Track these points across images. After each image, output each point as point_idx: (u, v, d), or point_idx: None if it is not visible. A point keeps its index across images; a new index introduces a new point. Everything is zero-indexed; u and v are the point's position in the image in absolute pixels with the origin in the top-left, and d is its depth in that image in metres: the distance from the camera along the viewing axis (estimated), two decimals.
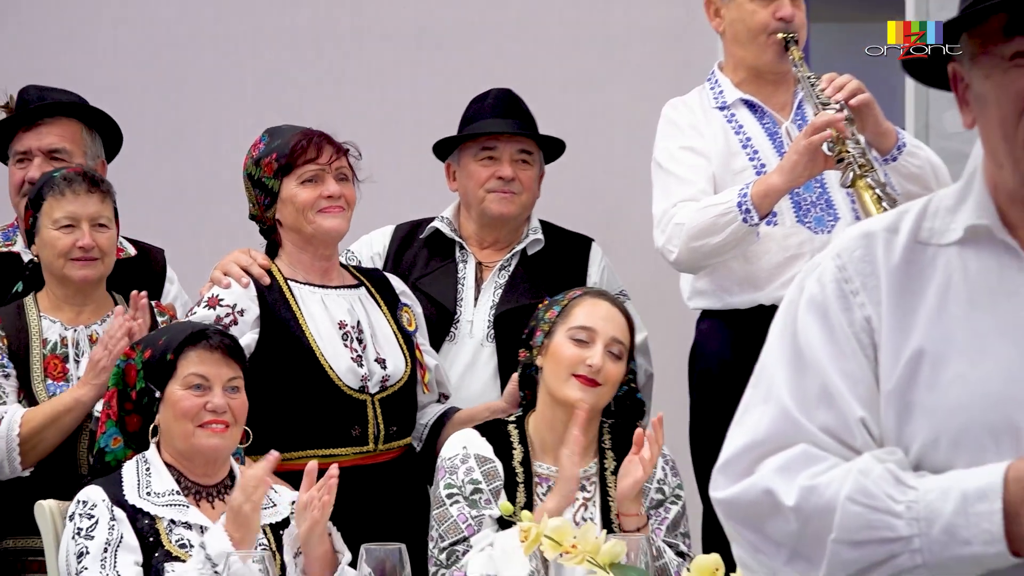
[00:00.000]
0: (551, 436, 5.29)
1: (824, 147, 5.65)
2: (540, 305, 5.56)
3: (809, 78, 5.88)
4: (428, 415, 5.77)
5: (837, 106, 5.72)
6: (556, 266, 6.13)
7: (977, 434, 2.71)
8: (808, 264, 2.95)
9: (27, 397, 5.53)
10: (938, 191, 2.95)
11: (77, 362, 5.66)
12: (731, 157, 5.97)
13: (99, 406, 5.37)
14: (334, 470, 4.91)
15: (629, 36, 7.76)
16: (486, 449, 5.24)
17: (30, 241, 5.70)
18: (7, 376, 5.51)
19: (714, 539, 5.51)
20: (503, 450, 5.27)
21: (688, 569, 4.45)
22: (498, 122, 6.09)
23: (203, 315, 5.47)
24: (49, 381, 5.55)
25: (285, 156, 5.50)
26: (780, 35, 5.97)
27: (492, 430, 5.33)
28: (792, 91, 6.08)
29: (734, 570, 4.04)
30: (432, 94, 7.09)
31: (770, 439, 2.80)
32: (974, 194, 2.85)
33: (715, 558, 4.27)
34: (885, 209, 5.37)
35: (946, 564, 2.63)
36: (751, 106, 6.04)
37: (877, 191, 5.51)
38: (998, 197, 2.82)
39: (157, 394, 4.98)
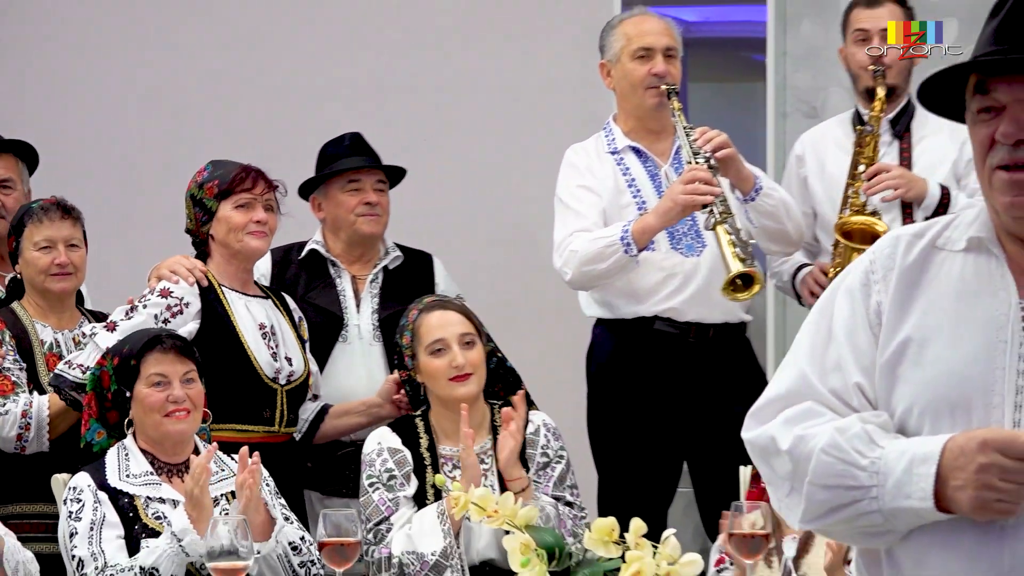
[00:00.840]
0: (448, 425, 5.45)
1: (697, 197, 5.81)
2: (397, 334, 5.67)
3: (686, 128, 6.04)
4: (307, 411, 5.96)
5: (707, 155, 5.87)
6: (411, 277, 6.31)
7: (939, 406, 2.84)
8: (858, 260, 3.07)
9: (36, 387, 5.69)
10: (965, 210, 3.05)
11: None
12: (618, 195, 6.15)
13: None
14: (256, 457, 5.01)
15: (542, 91, 7.74)
16: (396, 441, 5.40)
17: (14, 261, 5.82)
18: (22, 369, 5.66)
19: (608, 504, 5.82)
20: (411, 440, 5.42)
21: (583, 521, 4.62)
22: (359, 159, 6.21)
23: (155, 302, 5.63)
24: (51, 374, 5.69)
25: (226, 183, 5.69)
26: (663, 87, 6.05)
27: (402, 425, 5.51)
28: (672, 139, 6.20)
29: (627, 530, 4.27)
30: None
31: (788, 395, 2.95)
32: (983, 214, 2.94)
33: (611, 521, 4.31)
34: (736, 250, 5.70)
35: (894, 512, 2.78)
36: (637, 152, 6.19)
37: (732, 236, 5.74)
38: (993, 219, 2.93)
39: (128, 394, 5.12)
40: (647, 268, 6.12)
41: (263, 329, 5.80)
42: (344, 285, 6.25)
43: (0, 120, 7.00)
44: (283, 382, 5.77)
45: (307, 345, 5.99)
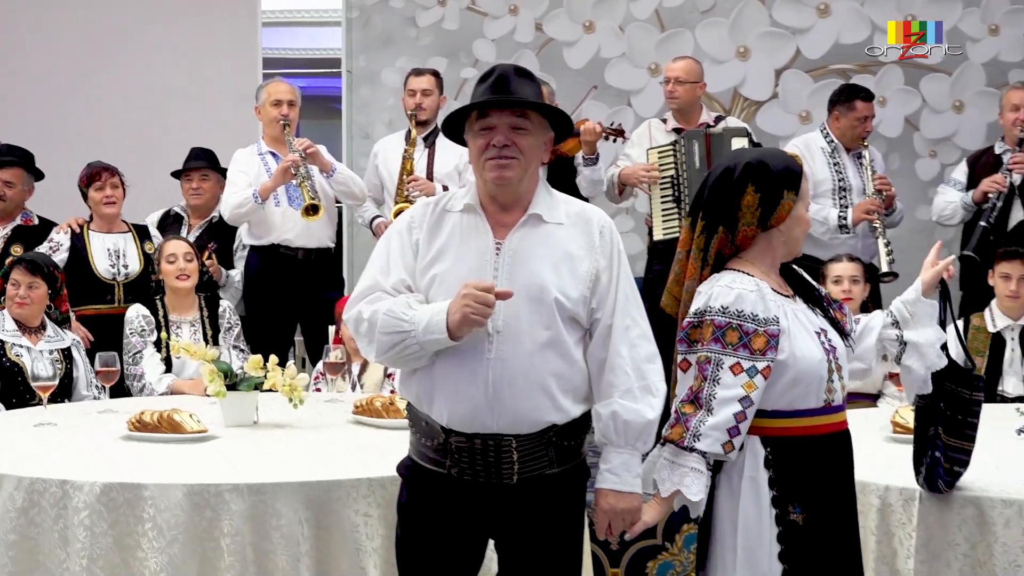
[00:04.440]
0: (175, 303, 5.44)
1: (292, 169, 5.95)
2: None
3: (291, 140, 6.07)
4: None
5: (301, 150, 6.02)
6: (226, 227, 6.35)
7: (453, 291, 2.83)
8: (402, 215, 3.06)
9: None
10: (460, 188, 3.10)
11: None
12: (260, 177, 6.15)
13: None
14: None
15: (225, 124, 7.53)
16: (146, 311, 5.41)
17: None
18: None
19: (256, 347, 5.69)
20: (154, 311, 5.43)
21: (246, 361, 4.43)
22: (194, 161, 6.42)
23: (44, 245, 5.85)
24: None
25: (89, 177, 5.89)
26: (280, 121, 6.16)
27: (148, 303, 5.48)
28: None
29: (268, 361, 4.24)
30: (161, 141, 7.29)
31: (367, 290, 2.95)
32: (471, 190, 2.97)
33: (259, 356, 4.31)
34: (310, 193, 5.87)
35: (426, 344, 2.82)
36: (273, 154, 6.21)
37: (308, 187, 5.90)
38: (479, 192, 2.96)
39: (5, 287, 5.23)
40: (272, 215, 6.20)
41: (109, 251, 5.91)
42: (184, 231, 6.34)
43: None
44: (120, 279, 5.87)
45: (156, 256, 5.84)
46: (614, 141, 6.25)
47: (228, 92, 7.71)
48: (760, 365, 2.88)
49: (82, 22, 7.92)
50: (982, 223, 6.00)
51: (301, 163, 6.01)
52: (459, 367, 2.85)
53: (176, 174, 6.50)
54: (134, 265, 5.98)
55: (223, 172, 6.43)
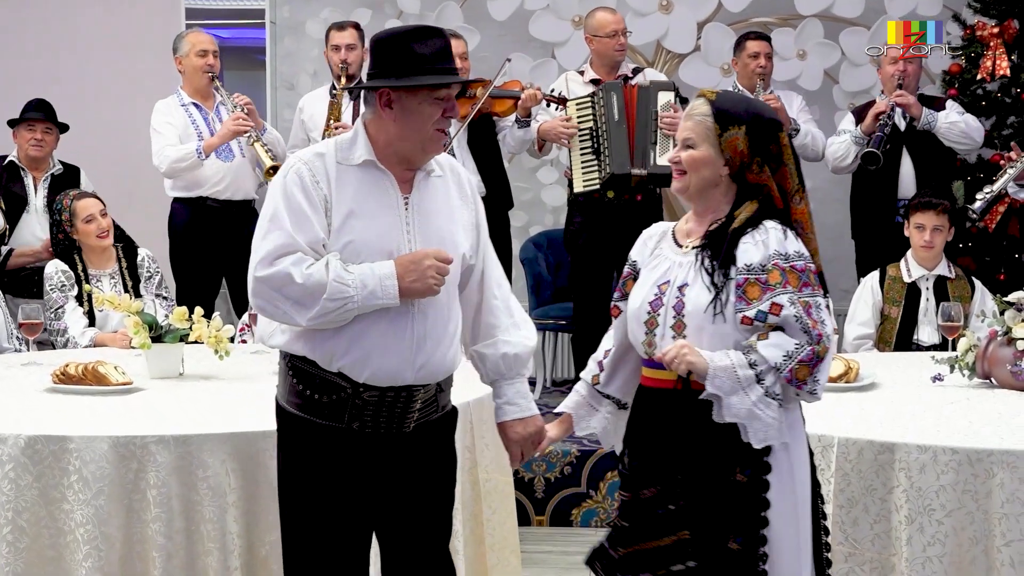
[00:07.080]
0: (92, 259, 5.39)
1: (240, 127, 5.99)
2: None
3: (227, 94, 6.19)
4: (2, 253, 5.90)
5: (241, 107, 6.06)
6: (67, 180, 6.21)
7: (372, 251, 2.82)
8: (285, 165, 2.90)
9: None
10: (337, 137, 2.96)
11: None
12: (186, 128, 6.18)
13: None
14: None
15: (147, 72, 7.38)
16: (65, 266, 5.35)
17: None
18: None
19: (183, 300, 5.54)
20: (73, 266, 5.38)
21: (172, 312, 4.41)
22: (33, 113, 6.21)
23: None
24: None
25: None
26: (209, 74, 6.18)
27: (67, 260, 5.40)
28: (214, 100, 6.29)
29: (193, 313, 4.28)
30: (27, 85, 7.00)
31: (283, 247, 2.78)
32: (360, 143, 2.88)
33: (185, 308, 4.29)
34: (268, 153, 5.89)
35: (368, 307, 2.78)
36: (196, 105, 6.26)
37: (265, 147, 5.96)
38: (377, 148, 2.88)
39: None
40: (212, 167, 6.19)
41: None
42: (28, 182, 6.21)
43: None
44: None
45: (3, 212, 5.89)
46: (556, 109, 6.22)
47: (150, 42, 7.58)
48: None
49: None
50: (876, 151, 6.02)
51: (249, 123, 6.05)
52: (387, 324, 2.84)
53: (12, 123, 6.31)
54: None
55: (60, 127, 6.32)
